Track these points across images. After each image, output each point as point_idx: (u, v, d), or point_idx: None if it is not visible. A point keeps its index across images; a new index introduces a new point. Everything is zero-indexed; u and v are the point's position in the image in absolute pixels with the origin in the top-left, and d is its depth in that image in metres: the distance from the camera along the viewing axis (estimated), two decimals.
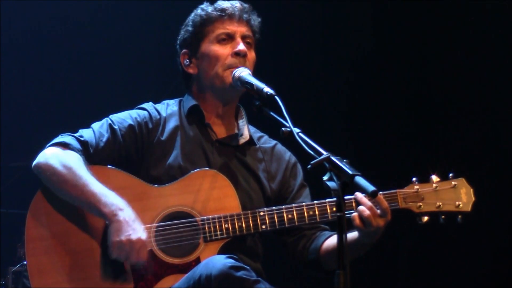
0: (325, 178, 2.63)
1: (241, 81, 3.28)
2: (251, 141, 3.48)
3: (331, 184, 2.60)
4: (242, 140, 3.47)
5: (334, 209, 3.21)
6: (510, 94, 5.30)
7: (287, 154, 3.55)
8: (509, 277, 5.31)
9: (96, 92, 5.38)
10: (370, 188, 2.52)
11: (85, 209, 3.20)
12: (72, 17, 5.40)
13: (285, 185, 3.49)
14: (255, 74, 3.34)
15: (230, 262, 2.97)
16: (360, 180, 2.54)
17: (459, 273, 5.40)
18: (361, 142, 5.57)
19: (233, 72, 3.32)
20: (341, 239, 2.52)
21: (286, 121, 2.91)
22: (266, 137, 3.59)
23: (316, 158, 2.66)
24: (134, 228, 3.09)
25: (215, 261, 2.99)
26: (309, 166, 2.67)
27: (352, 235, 3.21)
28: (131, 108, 3.49)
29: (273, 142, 3.58)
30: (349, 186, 2.59)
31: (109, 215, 3.11)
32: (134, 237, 3.07)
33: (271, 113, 3.06)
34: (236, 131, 3.50)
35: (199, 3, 3.51)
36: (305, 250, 3.42)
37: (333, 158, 2.62)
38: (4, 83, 5.23)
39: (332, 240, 3.36)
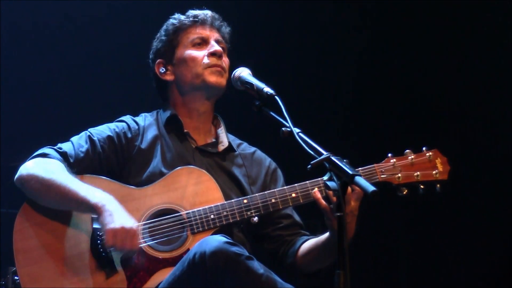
0: (325, 178, 2.63)
1: (241, 81, 3.28)
2: (230, 148, 3.54)
3: (331, 184, 2.60)
4: (221, 147, 3.53)
5: (316, 189, 3.21)
6: (509, 88, 5.31)
7: (267, 160, 3.62)
8: (509, 275, 5.31)
9: (96, 91, 5.38)
10: (370, 188, 2.52)
11: (73, 209, 3.22)
12: (71, 17, 5.40)
13: (266, 190, 3.46)
14: (255, 74, 3.34)
15: (224, 239, 2.98)
16: (360, 180, 2.55)
17: (459, 272, 5.40)
18: (360, 141, 5.58)
19: (233, 72, 3.32)
20: (341, 239, 2.52)
21: (286, 121, 2.92)
22: (245, 144, 3.66)
23: (316, 158, 2.66)
24: (126, 217, 3.12)
25: (210, 240, 3.00)
26: (309, 166, 2.68)
27: (324, 235, 3.26)
28: (128, 112, 3.56)
29: (253, 148, 3.65)
30: (349, 186, 2.59)
31: (99, 208, 3.12)
32: (127, 225, 3.09)
33: (271, 113, 3.06)
34: (213, 139, 3.56)
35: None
36: (284, 255, 3.45)
37: (333, 158, 2.63)
38: (4, 83, 5.23)
39: (308, 243, 3.39)
